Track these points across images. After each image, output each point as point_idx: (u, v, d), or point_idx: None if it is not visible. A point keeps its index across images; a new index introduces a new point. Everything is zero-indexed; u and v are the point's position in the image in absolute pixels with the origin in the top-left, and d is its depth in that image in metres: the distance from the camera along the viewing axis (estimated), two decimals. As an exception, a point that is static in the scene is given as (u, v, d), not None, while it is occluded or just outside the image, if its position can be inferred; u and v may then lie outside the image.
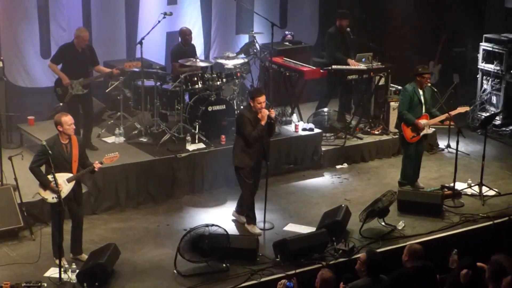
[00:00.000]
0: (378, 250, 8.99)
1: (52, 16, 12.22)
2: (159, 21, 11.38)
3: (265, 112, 9.38)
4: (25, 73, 12.21)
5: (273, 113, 9.64)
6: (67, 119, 8.48)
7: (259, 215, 9.81)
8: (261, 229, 9.74)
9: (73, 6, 12.35)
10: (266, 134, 9.57)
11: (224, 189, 10.37)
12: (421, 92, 10.68)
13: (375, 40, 13.41)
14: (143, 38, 11.16)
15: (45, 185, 8.41)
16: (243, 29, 13.98)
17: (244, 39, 13.79)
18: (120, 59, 12.29)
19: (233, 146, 9.70)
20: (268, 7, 14.15)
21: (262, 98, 9.41)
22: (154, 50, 12.83)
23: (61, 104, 10.88)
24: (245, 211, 9.79)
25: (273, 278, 8.56)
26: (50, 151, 8.28)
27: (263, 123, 9.37)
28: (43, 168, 8.47)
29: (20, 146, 11.34)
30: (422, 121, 10.65)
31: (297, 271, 8.71)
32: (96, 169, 8.66)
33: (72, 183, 8.56)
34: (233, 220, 9.99)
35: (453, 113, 10.92)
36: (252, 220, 9.74)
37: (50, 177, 8.36)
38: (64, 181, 8.46)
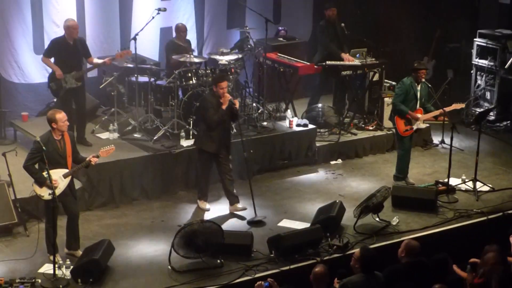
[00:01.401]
0: (372, 246, 9.08)
1: (46, 11, 12.18)
2: (153, 17, 11.36)
3: (227, 97, 9.70)
4: (19, 68, 12.15)
5: (237, 103, 9.97)
6: (61, 116, 8.47)
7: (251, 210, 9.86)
8: (251, 221, 9.81)
9: (67, 2, 12.31)
10: (228, 119, 9.84)
11: (218, 185, 10.37)
12: (418, 87, 10.73)
13: (369, 35, 13.43)
14: (137, 34, 11.16)
15: (41, 182, 8.39)
16: (235, 24, 13.95)
17: (237, 34, 13.78)
18: (114, 54, 12.24)
19: (198, 130, 9.90)
20: (262, 2, 14.12)
21: (224, 84, 9.74)
22: (148, 45, 12.81)
23: (55, 99, 10.88)
24: (197, 186, 10.21)
25: (268, 274, 8.55)
26: (44, 147, 8.26)
27: (224, 107, 9.68)
28: (37, 165, 8.45)
29: (14, 142, 11.33)
30: (416, 115, 10.72)
31: (291, 267, 8.73)
32: (92, 163, 8.67)
33: (68, 179, 8.57)
34: (227, 216, 10.00)
35: (448, 109, 10.98)
36: (202, 195, 10.07)
37: (45, 173, 8.33)
38: (60, 177, 8.46)
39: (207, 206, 10.18)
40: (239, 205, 10.05)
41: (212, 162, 9.99)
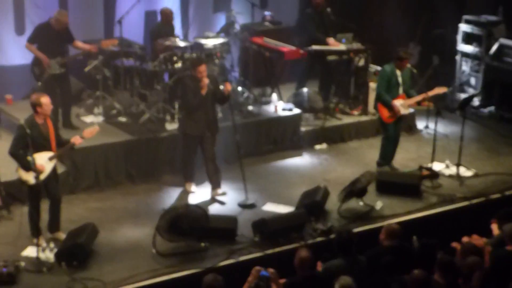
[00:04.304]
0: (356, 230, 9.09)
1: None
2: (138, 0, 11.33)
3: (206, 81, 9.61)
4: (0, 50, 12.09)
5: (229, 87, 9.90)
6: (46, 101, 8.45)
7: (236, 193, 9.86)
8: (242, 204, 9.84)
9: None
10: (212, 103, 9.81)
11: (203, 169, 10.38)
12: (399, 73, 10.71)
13: (355, 20, 13.42)
14: (122, 17, 11.12)
15: (27, 167, 8.35)
16: (220, 8, 13.91)
17: (222, 18, 13.73)
18: (97, 38, 12.18)
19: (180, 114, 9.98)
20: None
21: (203, 68, 9.66)
22: (132, 29, 12.72)
23: (39, 83, 10.82)
24: (181, 170, 10.23)
25: (252, 257, 8.63)
26: (28, 131, 8.22)
27: (203, 92, 9.62)
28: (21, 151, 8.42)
29: (-4, 125, 11.32)
30: (399, 101, 10.70)
31: (276, 250, 8.78)
32: (76, 144, 8.65)
33: (54, 161, 8.57)
34: (212, 200, 10.03)
35: (430, 93, 11.01)
36: (188, 177, 10.12)
37: (29, 158, 8.29)
38: (46, 161, 8.45)
39: (193, 188, 10.20)
40: (220, 190, 10.09)
41: (197, 145, 10.00)
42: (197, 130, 9.83)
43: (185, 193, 10.26)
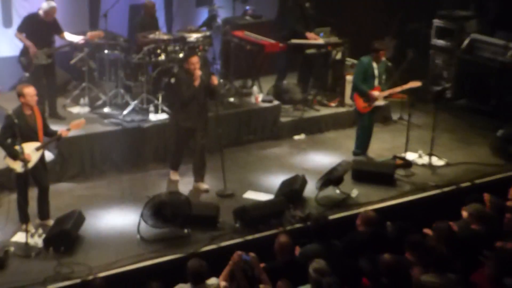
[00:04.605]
0: (333, 217, 9.16)
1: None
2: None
3: (198, 73, 9.56)
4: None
5: (215, 80, 9.83)
6: (29, 91, 8.43)
7: (216, 181, 9.94)
8: (220, 194, 9.86)
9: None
10: (205, 96, 9.74)
11: (186, 159, 10.42)
12: (375, 65, 10.78)
13: (333, 15, 13.48)
14: (107, 11, 11.14)
15: (14, 156, 8.36)
16: (203, 2, 13.92)
17: (205, 12, 13.73)
18: (83, 30, 12.17)
19: (172, 106, 9.88)
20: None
21: (195, 59, 9.61)
22: (117, 22, 12.69)
23: (27, 74, 10.84)
24: (169, 160, 10.19)
25: (233, 243, 8.68)
26: (16, 120, 8.24)
27: (196, 83, 9.58)
28: (9, 140, 8.40)
29: (-15, 115, 11.29)
30: (375, 92, 10.78)
31: (256, 236, 8.83)
32: (63, 136, 8.69)
33: (41, 151, 8.59)
34: (194, 188, 10.05)
35: (405, 86, 11.04)
36: (174, 166, 10.16)
37: (17, 147, 8.29)
38: (33, 150, 8.46)
39: (177, 177, 10.23)
40: (204, 186, 10.00)
41: (189, 138, 9.99)
42: (190, 122, 9.79)
43: (169, 181, 10.29)
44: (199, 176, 10.06)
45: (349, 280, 7.07)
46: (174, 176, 10.26)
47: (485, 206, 8.59)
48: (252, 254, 7.34)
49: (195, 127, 9.85)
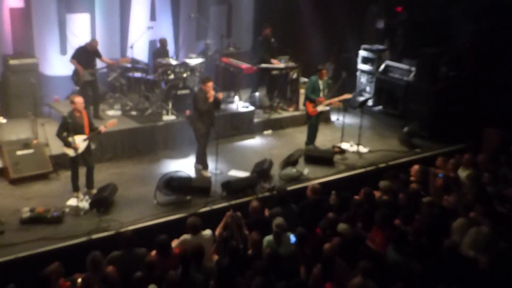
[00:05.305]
0: (290, 188, 9.17)
1: (68, 25, 11.91)
2: (144, 32, 11.32)
3: (212, 93, 9.40)
4: (50, 65, 11.94)
5: (220, 95, 9.69)
6: (79, 99, 8.41)
7: (212, 164, 9.86)
8: (212, 173, 9.79)
9: (83, 20, 12.12)
10: (214, 108, 9.57)
11: (188, 147, 10.40)
12: (320, 82, 10.78)
13: (291, 46, 13.48)
14: (133, 44, 11.11)
15: (68, 145, 8.37)
16: (201, 37, 13.90)
17: (202, 44, 13.62)
18: (115, 57, 12.13)
19: (191, 116, 9.68)
20: (219, 21, 14.10)
21: (210, 83, 9.44)
22: (140, 51, 12.70)
23: (77, 88, 10.79)
24: (199, 160, 9.80)
25: (221, 206, 8.70)
26: (69, 120, 8.25)
27: (210, 100, 9.42)
28: (65, 133, 8.36)
29: (48, 116, 11.17)
30: (320, 101, 10.75)
31: (237, 201, 8.84)
32: (102, 131, 8.65)
33: (87, 142, 8.57)
34: (194, 168, 9.97)
35: (341, 97, 11.04)
36: (204, 167, 9.79)
37: (70, 139, 8.31)
38: (81, 141, 8.45)
39: (208, 174, 9.68)
40: (207, 173, 9.79)
41: (204, 138, 9.66)
42: (204, 129, 9.56)
43: (176, 162, 10.09)
44: (205, 165, 9.80)
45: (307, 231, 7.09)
46: (205, 173, 9.72)
47: (394, 183, 8.65)
48: (238, 213, 7.41)
49: (208, 131, 9.66)
